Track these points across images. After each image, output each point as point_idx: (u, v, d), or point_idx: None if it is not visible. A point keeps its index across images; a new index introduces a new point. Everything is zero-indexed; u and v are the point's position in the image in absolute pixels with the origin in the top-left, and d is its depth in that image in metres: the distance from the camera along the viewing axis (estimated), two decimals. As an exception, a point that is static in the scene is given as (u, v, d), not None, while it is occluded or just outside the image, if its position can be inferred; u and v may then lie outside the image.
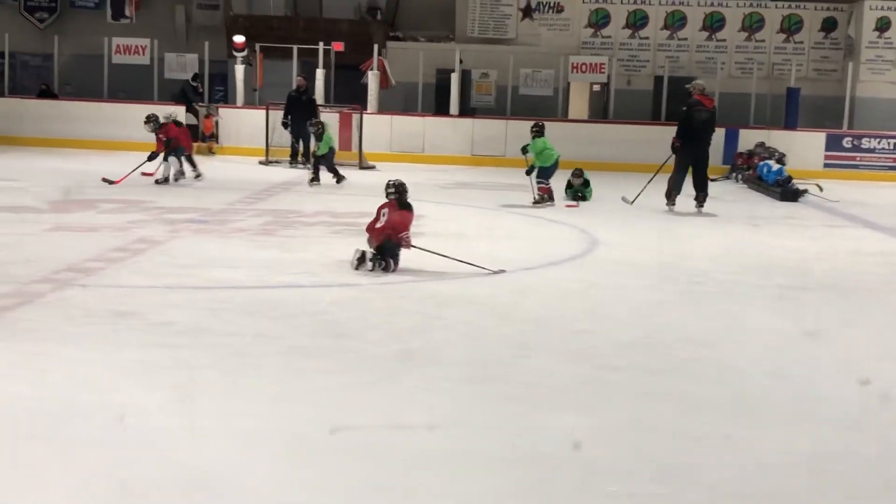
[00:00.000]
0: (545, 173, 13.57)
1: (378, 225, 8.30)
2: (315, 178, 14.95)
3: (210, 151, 19.20)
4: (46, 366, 5.26)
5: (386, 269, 8.09)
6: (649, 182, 14.10)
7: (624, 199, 13.78)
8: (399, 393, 5.08)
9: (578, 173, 14.56)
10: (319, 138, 15.35)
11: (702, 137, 13.44)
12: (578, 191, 14.48)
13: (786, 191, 15.54)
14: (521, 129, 19.61)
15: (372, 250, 8.21)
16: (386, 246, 8.20)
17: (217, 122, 19.94)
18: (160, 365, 5.34)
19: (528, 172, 13.65)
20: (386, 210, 8.35)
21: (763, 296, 8.11)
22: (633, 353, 6.08)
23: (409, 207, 8.43)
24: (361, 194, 13.33)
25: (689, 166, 13.42)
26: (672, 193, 13.53)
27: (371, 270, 8.05)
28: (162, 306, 6.74)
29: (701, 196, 13.48)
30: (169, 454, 4.10)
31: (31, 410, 4.55)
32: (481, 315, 6.92)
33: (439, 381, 5.27)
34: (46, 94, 22.43)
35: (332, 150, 15.45)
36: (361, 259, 8.14)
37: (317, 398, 4.91)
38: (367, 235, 8.41)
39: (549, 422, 4.73)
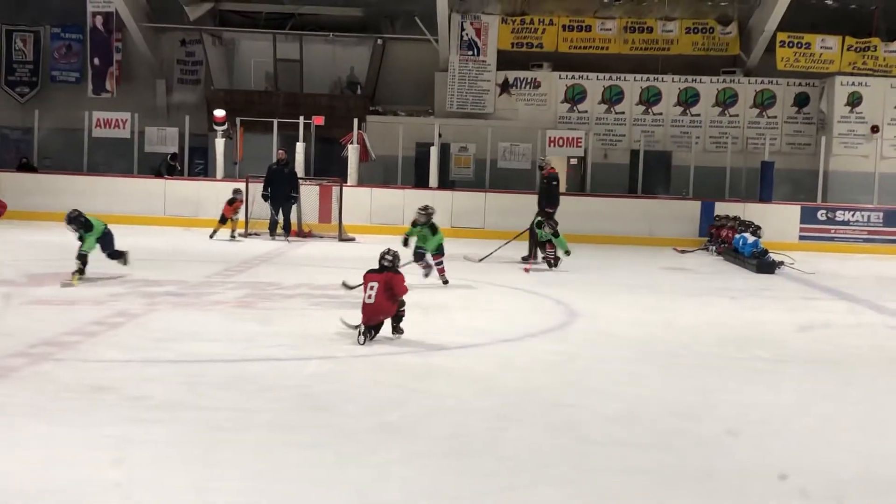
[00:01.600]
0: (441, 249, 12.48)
1: (369, 301, 8.27)
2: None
3: (232, 236, 17.97)
4: (18, 440, 5.17)
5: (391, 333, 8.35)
6: (500, 248, 15.15)
7: (467, 258, 14.19)
8: (377, 467, 5.02)
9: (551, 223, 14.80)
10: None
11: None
12: (547, 238, 14.56)
13: (762, 263, 15.66)
14: (499, 202, 19.83)
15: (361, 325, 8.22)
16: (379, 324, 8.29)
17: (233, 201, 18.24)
18: (134, 440, 5.26)
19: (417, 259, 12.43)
20: (375, 285, 8.30)
21: (742, 368, 8.12)
22: (615, 425, 6.05)
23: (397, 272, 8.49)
24: (341, 266, 13.33)
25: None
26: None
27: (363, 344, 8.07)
28: (138, 380, 6.67)
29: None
30: (142, 532, 4.02)
31: (2, 486, 4.45)
32: (460, 387, 6.88)
33: (418, 456, 5.22)
34: (26, 167, 22.45)
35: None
36: (366, 333, 8.21)
37: (294, 473, 4.84)
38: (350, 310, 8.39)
39: (530, 497, 4.68)
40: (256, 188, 18.56)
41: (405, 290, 8.44)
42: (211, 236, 17.77)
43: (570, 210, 20.51)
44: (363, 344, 8.03)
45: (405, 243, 12.14)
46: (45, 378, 6.60)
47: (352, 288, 9.14)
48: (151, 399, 6.15)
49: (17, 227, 18.09)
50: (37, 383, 6.45)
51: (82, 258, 11.24)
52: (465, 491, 4.72)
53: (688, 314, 11.19)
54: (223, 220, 17.99)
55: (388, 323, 8.42)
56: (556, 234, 14.47)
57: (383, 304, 8.27)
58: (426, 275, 12.32)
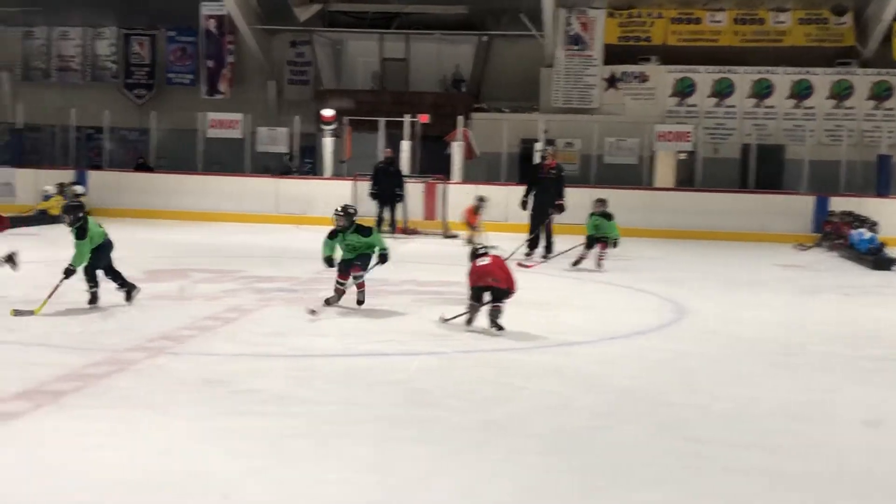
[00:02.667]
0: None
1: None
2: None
3: (469, 242, 15.34)
4: (137, 431, 5.38)
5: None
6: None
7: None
8: (483, 464, 5.06)
9: (601, 202, 14.08)
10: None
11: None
12: (598, 224, 13.86)
13: (879, 259, 15.16)
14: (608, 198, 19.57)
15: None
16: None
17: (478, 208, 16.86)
18: (246, 433, 5.42)
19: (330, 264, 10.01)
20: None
21: (856, 367, 7.89)
22: (722, 425, 5.95)
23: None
24: (446, 264, 13.43)
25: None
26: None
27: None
28: (250, 374, 6.86)
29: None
30: (255, 521, 4.15)
31: (121, 478, 4.65)
32: (566, 385, 6.87)
33: (522, 453, 5.23)
34: (143, 167, 23.26)
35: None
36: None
37: (401, 468, 4.92)
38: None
39: (636, 496, 4.65)
40: (363, 187, 18.84)
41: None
42: (466, 244, 14.93)
43: (679, 206, 20.27)
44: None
45: (329, 263, 9.78)
46: (161, 371, 6.84)
47: (448, 320, 8.92)
48: (263, 392, 6.32)
49: (135, 226, 18.76)
50: (154, 376, 6.70)
51: (69, 273, 8.97)
52: (571, 489, 4.72)
53: (800, 312, 10.92)
54: (469, 227, 16.52)
55: (485, 316, 8.48)
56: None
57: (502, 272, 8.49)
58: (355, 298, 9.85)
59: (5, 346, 6.31)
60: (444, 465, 5.01)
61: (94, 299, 9.29)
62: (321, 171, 22.09)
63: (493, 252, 8.81)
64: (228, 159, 22.55)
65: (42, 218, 18.52)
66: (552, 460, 5.15)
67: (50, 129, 25.45)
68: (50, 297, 8.70)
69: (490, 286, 8.54)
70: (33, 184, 21.24)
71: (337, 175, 21.26)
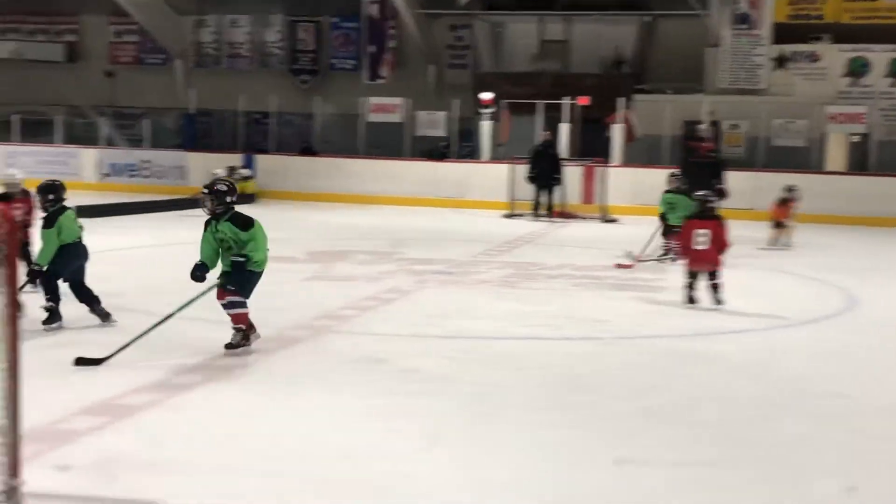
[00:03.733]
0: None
1: (701, 248, 8.64)
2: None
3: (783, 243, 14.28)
4: (303, 408, 5.54)
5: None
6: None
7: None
8: (638, 452, 4.96)
9: (676, 177, 12.59)
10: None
11: None
12: (671, 202, 12.02)
13: None
14: (774, 181, 18.90)
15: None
16: None
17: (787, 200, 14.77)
18: (407, 411, 5.50)
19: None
20: (706, 232, 8.67)
21: None
22: (892, 418, 5.66)
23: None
24: (604, 247, 13.27)
25: None
26: None
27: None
28: (409, 354, 6.96)
29: None
30: (412, 500, 4.20)
31: (287, 447, 4.79)
32: (729, 373, 6.67)
33: (681, 442, 5.11)
34: (307, 151, 23.91)
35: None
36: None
37: (554, 452, 4.88)
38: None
39: (802, 488, 4.47)
40: (521, 170, 18.80)
41: (728, 244, 8.56)
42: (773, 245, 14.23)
43: (852, 191, 19.35)
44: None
45: (197, 277, 6.56)
46: (324, 349, 7.02)
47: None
48: (420, 372, 6.41)
49: (299, 208, 19.35)
50: (318, 354, 6.89)
51: (32, 276, 7.30)
52: (733, 480, 4.59)
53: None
54: (778, 225, 14.46)
55: (704, 285, 8.55)
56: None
57: (713, 254, 8.32)
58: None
59: (180, 322, 6.60)
60: (598, 452, 4.94)
61: (51, 318, 7.19)
62: (479, 154, 22.17)
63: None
64: (388, 143, 22.91)
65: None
66: (712, 451, 5.00)
67: (219, 114, 26.44)
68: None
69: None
70: (203, 167, 22.16)
71: (494, 158, 21.30)
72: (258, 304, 6.82)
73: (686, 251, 8.75)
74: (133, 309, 7.84)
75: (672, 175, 12.72)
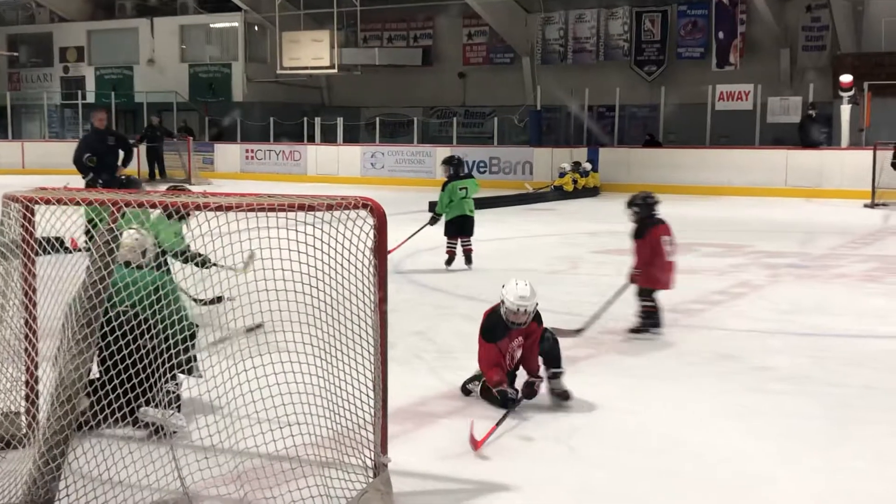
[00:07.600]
0: (450, 229, 10.06)
1: None
2: None
3: None
4: (650, 400, 5.47)
5: None
6: None
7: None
8: None
9: None
10: None
11: None
12: None
13: None
14: None
15: None
16: None
17: None
18: (761, 411, 5.27)
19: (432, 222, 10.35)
20: None
21: None
22: None
23: None
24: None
25: None
26: None
27: None
28: (762, 351, 6.67)
29: None
30: None
31: (635, 441, 4.76)
32: None
33: None
34: (651, 142, 23.65)
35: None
36: None
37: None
38: None
39: None
40: (884, 156, 17.42)
41: None
42: None
43: None
44: None
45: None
46: (673, 344, 6.90)
47: None
48: (777, 370, 6.12)
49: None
50: (666, 349, 6.78)
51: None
52: None
53: None
54: None
55: None
56: None
57: None
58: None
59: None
60: None
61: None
62: (837, 140, 20.84)
63: None
64: (737, 131, 22.14)
65: (558, 194, 19.76)
66: None
67: (564, 109, 26.78)
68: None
69: None
70: (548, 162, 22.61)
71: (854, 144, 19.91)
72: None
73: None
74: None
75: None
